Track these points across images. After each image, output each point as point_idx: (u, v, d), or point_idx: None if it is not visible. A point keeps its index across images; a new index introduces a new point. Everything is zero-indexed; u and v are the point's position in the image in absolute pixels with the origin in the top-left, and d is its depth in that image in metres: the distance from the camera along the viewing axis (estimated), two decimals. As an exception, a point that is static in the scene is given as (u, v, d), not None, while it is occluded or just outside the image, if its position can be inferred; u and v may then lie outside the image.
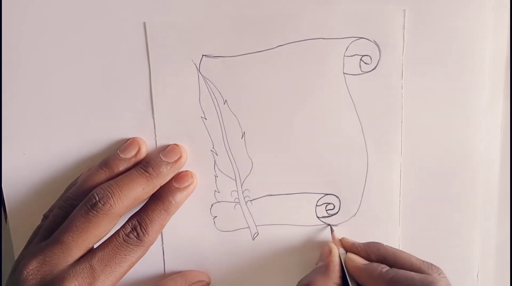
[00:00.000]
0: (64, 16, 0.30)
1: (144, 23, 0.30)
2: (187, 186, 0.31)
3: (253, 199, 0.33)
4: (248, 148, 0.32)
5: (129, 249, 0.29)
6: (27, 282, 0.26)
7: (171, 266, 0.33)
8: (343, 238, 0.32)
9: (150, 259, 0.33)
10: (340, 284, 0.29)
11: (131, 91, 0.31)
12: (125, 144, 0.31)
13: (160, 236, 0.33)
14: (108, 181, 0.30)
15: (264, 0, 0.30)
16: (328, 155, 0.32)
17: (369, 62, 0.31)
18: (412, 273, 0.27)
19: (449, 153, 0.32)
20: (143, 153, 0.31)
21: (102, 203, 0.28)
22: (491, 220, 0.33)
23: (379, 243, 0.30)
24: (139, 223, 0.29)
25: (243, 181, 0.32)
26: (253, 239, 0.33)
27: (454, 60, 0.31)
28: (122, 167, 0.30)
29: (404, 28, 0.30)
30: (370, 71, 0.31)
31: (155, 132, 0.32)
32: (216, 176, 0.32)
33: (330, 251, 0.31)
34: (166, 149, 0.31)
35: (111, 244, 0.28)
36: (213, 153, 0.32)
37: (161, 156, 0.30)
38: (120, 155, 0.31)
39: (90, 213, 0.28)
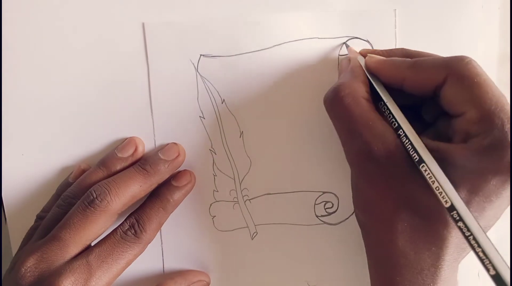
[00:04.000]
0: (63, 16, 0.30)
1: (143, 24, 0.31)
2: (186, 184, 0.31)
3: (252, 198, 0.33)
4: (247, 147, 0.32)
5: (126, 246, 0.28)
6: (25, 279, 0.26)
7: (170, 266, 0.33)
8: (362, 49, 0.30)
9: (149, 259, 0.33)
10: (368, 84, 0.27)
11: (130, 91, 0.31)
12: (122, 143, 0.31)
13: (159, 235, 0.33)
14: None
15: (261, 1, 0.31)
16: (325, 153, 0.32)
17: (363, 61, 0.31)
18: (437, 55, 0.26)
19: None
20: (140, 153, 0.31)
21: (100, 200, 0.28)
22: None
23: (403, 47, 0.29)
24: (137, 220, 0.29)
25: (242, 180, 0.33)
26: (252, 239, 0.33)
27: (446, 57, 0.31)
28: (119, 166, 0.31)
29: (395, 27, 0.31)
30: (366, 70, 0.31)
31: (153, 131, 0.32)
32: (214, 175, 0.32)
33: (349, 60, 0.29)
34: (164, 148, 0.31)
35: (109, 241, 0.28)
36: (212, 152, 0.32)
37: (159, 154, 0.31)
38: (117, 154, 0.31)
39: (87, 210, 0.28)
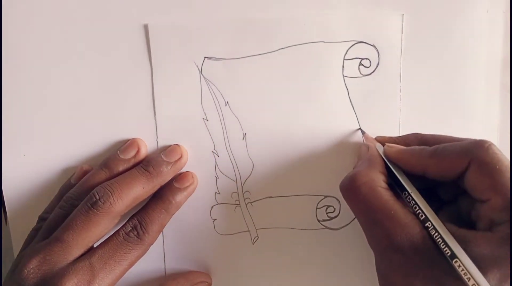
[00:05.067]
0: (66, 18, 0.30)
1: (147, 25, 0.30)
2: (188, 186, 0.31)
3: (254, 201, 0.33)
4: (249, 149, 0.32)
5: (129, 247, 0.29)
6: (28, 280, 0.26)
7: (171, 267, 0.33)
8: (377, 136, 0.31)
9: (151, 261, 0.33)
10: (385, 173, 0.27)
11: (133, 93, 0.31)
12: (125, 145, 0.31)
13: (161, 237, 0.33)
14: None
15: (266, 4, 0.30)
16: (328, 157, 0.32)
17: (368, 66, 0.31)
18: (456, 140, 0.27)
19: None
20: (142, 154, 0.31)
21: (102, 201, 0.28)
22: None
23: (416, 133, 0.29)
24: (140, 222, 0.29)
25: (244, 183, 0.33)
26: (253, 243, 0.33)
27: (451, 63, 0.31)
28: (121, 167, 0.31)
29: (402, 32, 0.31)
30: (369, 74, 0.31)
31: (156, 133, 0.32)
32: (217, 177, 0.32)
33: (368, 148, 0.29)
34: (167, 149, 0.31)
35: (111, 242, 0.29)
36: (214, 154, 0.32)
37: (162, 156, 0.31)
38: (120, 156, 0.31)
39: (90, 212, 0.28)
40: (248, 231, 0.33)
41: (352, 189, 0.26)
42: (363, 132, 0.31)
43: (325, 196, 0.33)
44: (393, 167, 0.27)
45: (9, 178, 0.32)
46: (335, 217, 0.33)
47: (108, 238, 0.29)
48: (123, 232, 0.29)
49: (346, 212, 0.33)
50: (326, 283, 0.33)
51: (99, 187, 0.29)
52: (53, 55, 0.31)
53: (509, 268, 0.23)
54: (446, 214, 0.26)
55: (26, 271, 0.27)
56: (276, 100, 0.31)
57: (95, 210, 0.28)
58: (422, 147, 0.27)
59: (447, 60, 0.31)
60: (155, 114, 0.32)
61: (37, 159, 0.32)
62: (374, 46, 0.31)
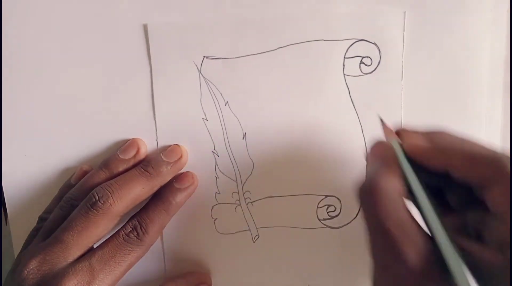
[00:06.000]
0: (65, 18, 0.30)
1: (146, 25, 0.30)
2: (188, 186, 0.31)
3: (254, 201, 0.33)
4: (249, 149, 0.32)
5: (129, 248, 0.28)
6: (28, 281, 0.26)
7: (171, 268, 0.33)
8: (400, 128, 0.28)
9: (151, 261, 0.33)
10: (402, 175, 0.25)
11: (133, 93, 0.31)
12: (125, 145, 0.31)
13: (160, 238, 0.33)
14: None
15: (265, 2, 0.30)
16: (328, 157, 0.32)
17: (369, 64, 0.31)
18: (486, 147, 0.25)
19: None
20: (142, 154, 0.31)
21: (102, 202, 0.28)
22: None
23: (443, 131, 0.27)
24: (139, 223, 0.29)
25: (244, 183, 0.32)
26: (254, 242, 0.33)
27: (453, 61, 0.31)
28: (121, 168, 0.31)
29: (404, 30, 0.30)
30: (370, 72, 0.31)
31: (156, 133, 0.32)
32: (217, 177, 0.32)
33: (386, 148, 0.27)
34: (167, 149, 0.31)
35: (111, 243, 0.29)
36: (214, 154, 0.32)
37: (162, 156, 0.31)
38: (120, 156, 0.31)
39: (90, 212, 0.28)
40: (249, 230, 0.33)
41: (372, 197, 0.25)
42: (382, 122, 0.28)
43: (326, 196, 0.32)
44: (406, 167, 0.25)
45: (9, 178, 0.32)
46: (336, 216, 0.33)
47: (108, 238, 0.29)
48: (123, 232, 0.29)
49: (347, 211, 0.32)
50: (326, 281, 0.33)
51: (99, 188, 0.29)
52: (52, 55, 0.30)
53: None
54: (450, 221, 0.25)
55: (26, 271, 0.27)
56: (276, 99, 0.31)
57: (94, 211, 0.28)
58: (451, 147, 0.25)
59: (450, 58, 0.31)
60: (154, 114, 0.31)
61: (37, 159, 0.32)
62: (375, 44, 0.30)
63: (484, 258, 0.22)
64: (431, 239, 0.23)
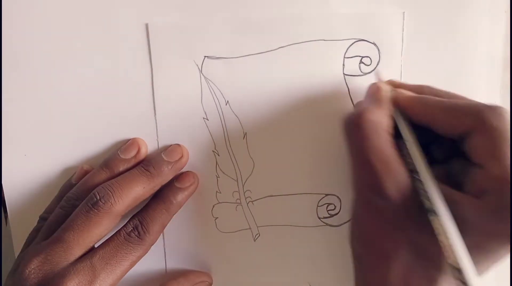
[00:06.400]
0: (66, 17, 0.30)
1: (147, 25, 0.30)
2: (189, 186, 0.31)
3: (255, 200, 0.33)
4: (250, 148, 0.32)
5: (130, 247, 0.29)
6: (29, 280, 0.26)
7: (172, 267, 0.33)
8: (390, 79, 0.29)
9: (152, 260, 0.33)
10: (392, 118, 0.26)
11: (133, 92, 0.31)
12: (125, 144, 0.31)
13: (161, 237, 0.33)
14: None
15: (266, 2, 0.30)
16: (328, 156, 0.32)
17: (369, 63, 0.31)
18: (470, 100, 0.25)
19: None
20: (143, 154, 0.31)
21: (103, 201, 0.28)
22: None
23: (429, 85, 0.28)
24: (141, 222, 0.29)
25: (245, 182, 0.33)
26: (255, 241, 0.33)
27: (452, 61, 0.31)
28: (122, 167, 0.31)
29: (403, 30, 0.31)
30: (370, 72, 0.31)
31: (157, 133, 0.32)
32: (217, 177, 0.32)
33: (378, 88, 0.28)
34: (167, 149, 0.31)
35: (112, 242, 0.29)
36: (215, 154, 0.32)
37: (163, 156, 0.31)
38: (120, 155, 0.31)
39: (91, 212, 0.28)
40: (250, 228, 0.33)
41: (356, 126, 0.25)
42: (378, 72, 0.30)
43: (326, 194, 0.33)
44: (398, 113, 0.26)
45: (10, 178, 0.32)
46: (336, 214, 0.33)
47: (109, 238, 0.29)
48: (124, 232, 0.29)
49: (347, 209, 0.33)
50: (327, 279, 0.33)
51: (100, 187, 0.29)
52: (53, 55, 0.30)
53: (489, 240, 0.22)
54: (436, 173, 0.25)
55: (27, 271, 0.27)
56: (277, 99, 0.31)
57: (95, 210, 0.28)
58: (436, 99, 0.26)
59: (448, 58, 0.31)
60: (155, 114, 0.31)
61: (38, 159, 0.32)
62: (374, 44, 0.31)
63: (463, 204, 0.23)
64: (413, 178, 0.24)
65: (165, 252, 0.33)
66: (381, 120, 0.25)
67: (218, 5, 0.30)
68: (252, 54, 0.31)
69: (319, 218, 0.33)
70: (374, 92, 0.28)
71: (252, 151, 0.32)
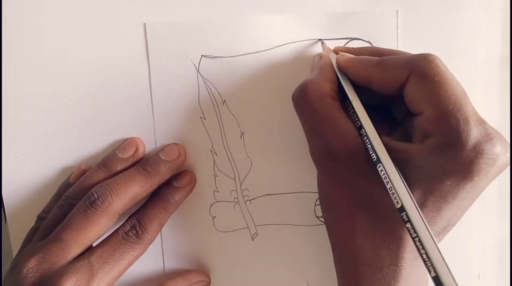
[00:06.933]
0: (64, 17, 0.30)
1: (144, 24, 0.30)
2: (186, 185, 0.31)
3: (252, 199, 0.33)
4: (247, 147, 0.32)
5: (128, 247, 0.29)
6: (27, 279, 0.26)
7: (170, 266, 0.33)
8: (336, 47, 0.30)
9: (149, 259, 0.33)
10: (335, 82, 0.27)
11: (131, 91, 0.31)
12: (123, 144, 0.31)
13: (159, 236, 0.33)
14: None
15: (262, 2, 0.30)
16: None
17: (365, 62, 0.31)
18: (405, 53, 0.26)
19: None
20: (140, 153, 0.31)
21: (101, 200, 0.28)
22: (490, 219, 0.33)
23: (374, 46, 0.29)
24: (138, 221, 0.29)
25: (242, 181, 0.33)
26: (253, 240, 0.33)
27: (447, 59, 0.31)
28: (120, 166, 0.31)
29: (397, 29, 0.31)
30: (366, 70, 0.31)
31: (154, 131, 0.32)
32: (215, 176, 0.33)
33: (320, 57, 0.29)
34: (165, 148, 0.31)
35: (110, 242, 0.29)
36: (212, 153, 0.32)
37: (160, 155, 0.31)
38: (118, 154, 0.31)
39: (89, 211, 0.28)
40: (247, 228, 0.33)
41: (301, 97, 0.26)
42: (322, 42, 0.31)
43: (324, 193, 0.33)
44: (340, 76, 0.27)
45: (7, 177, 0.32)
46: (334, 214, 0.33)
47: (107, 237, 0.29)
48: (122, 231, 0.29)
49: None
50: (324, 278, 0.33)
51: (98, 186, 0.29)
52: (51, 55, 0.31)
53: (435, 181, 0.23)
54: (397, 133, 0.26)
55: (25, 270, 0.27)
56: (273, 98, 0.32)
57: (93, 209, 0.28)
58: (370, 57, 0.27)
59: (444, 56, 0.31)
60: (153, 113, 0.32)
61: (36, 158, 0.32)
62: (369, 42, 0.31)
63: (409, 152, 0.23)
64: (360, 137, 0.25)
65: (163, 251, 0.33)
66: (322, 86, 0.26)
67: (215, 4, 0.30)
68: (249, 53, 0.31)
69: (317, 216, 0.33)
70: (316, 61, 0.29)
71: (250, 150, 0.32)
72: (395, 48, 0.31)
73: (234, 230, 0.33)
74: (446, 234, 0.25)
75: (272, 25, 0.31)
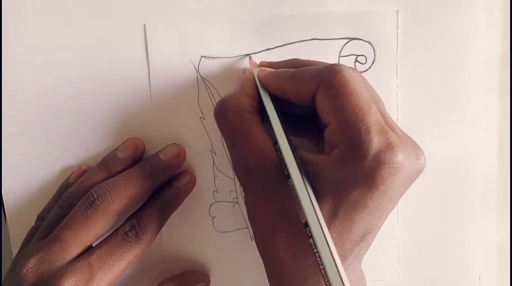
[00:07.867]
0: (64, 17, 0.30)
1: (144, 25, 0.30)
2: (186, 185, 0.31)
3: (252, 199, 0.33)
4: (247, 148, 0.32)
5: (127, 247, 0.29)
6: (27, 279, 0.26)
7: (170, 267, 0.33)
8: (262, 61, 0.30)
9: (149, 260, 0.33)
10: (254, 96, 0.27)
11: (131, 92, 0.31)
12: (123, 144, 0.32)
13: (159, 236, 0.33)
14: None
15: (261, 2, 0.30)
16: (325, 154, 0.32)
17: (364, 62, 0.31)
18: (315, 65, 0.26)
19: (446, 152, 0.32)
20: (140, 153, 0.31)
21: (100, 200, 0.28)
22: (491, 220, 0.33)
23: (297, 58, 0.29)
24: (138, 222, 0.29)
25: (242, 181, 0.33)
26: (252, 240, 0.33)
27: (448, 59, 0.31)
28: (119, 167, 0.31)
29: (397, 28, 0.31)
30: (365, 70, 0.31)
31: (154, 132, 0.32)
32: (215, 176, 0.33)
33: (244, 72, 0.29)
34: (164, 148, 0.31)
35: (110, 242, 0.29)
36: (212, 153, 0.32)
37: (160, 155, 0.31)
38: (118, 155, 0.31)
39: (88, 211, 0.28)
40: (247, 227, 0.33)
41: (220, 113, 0.27)
42: (250, 57, 0.31)
43: (323, 193, 0.33)
44: (261, 90, 0.27)
45: (7, 177, 0.32)
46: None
47: (106, 237, 0.29)
48: (121, 231, 0.29)
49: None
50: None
51: (97, 186, 0.29)
52: (51, 55, 0.31)
53: (343, 192, 0.23)
54: (323, 144, 0.26)
55: (24, 270, 0.27)
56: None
57: (93, 209, 0.28)
58: (286, 70, 0.27)
59: (444, 55, 0.31)
60: (152, 113, 0.32)
61: (36, 158, 0.32)
62: (369, 42, 0.31)
63: (317, 164, 0.23)
64: (276, 152, 0.25)
65: (162, 252, 0.33)
66: (239, 101, 0.26)
67: (215, 5, 0.30)
68: (248, 54, 0.31)
69: (317, 217, 0.33)
70: (240, 76, 0.29)
71: (249, 150, 0.32)
72: (395, 47, 0.31)
73: (234, 230, 0.33)
74: (369, 240, 0.25)
75: (271, 26, 0.31)
